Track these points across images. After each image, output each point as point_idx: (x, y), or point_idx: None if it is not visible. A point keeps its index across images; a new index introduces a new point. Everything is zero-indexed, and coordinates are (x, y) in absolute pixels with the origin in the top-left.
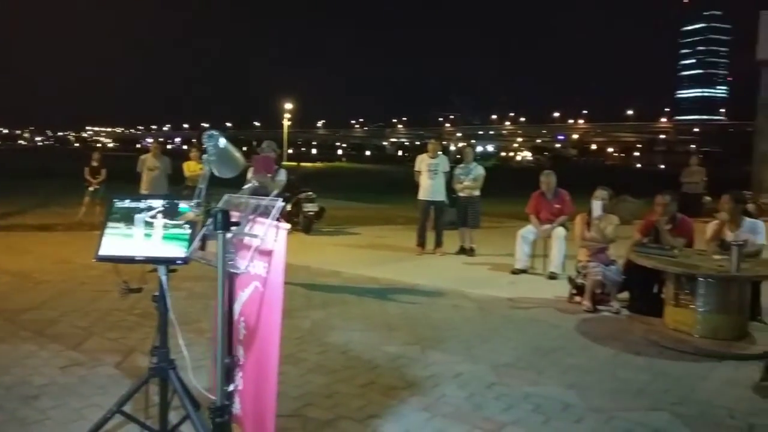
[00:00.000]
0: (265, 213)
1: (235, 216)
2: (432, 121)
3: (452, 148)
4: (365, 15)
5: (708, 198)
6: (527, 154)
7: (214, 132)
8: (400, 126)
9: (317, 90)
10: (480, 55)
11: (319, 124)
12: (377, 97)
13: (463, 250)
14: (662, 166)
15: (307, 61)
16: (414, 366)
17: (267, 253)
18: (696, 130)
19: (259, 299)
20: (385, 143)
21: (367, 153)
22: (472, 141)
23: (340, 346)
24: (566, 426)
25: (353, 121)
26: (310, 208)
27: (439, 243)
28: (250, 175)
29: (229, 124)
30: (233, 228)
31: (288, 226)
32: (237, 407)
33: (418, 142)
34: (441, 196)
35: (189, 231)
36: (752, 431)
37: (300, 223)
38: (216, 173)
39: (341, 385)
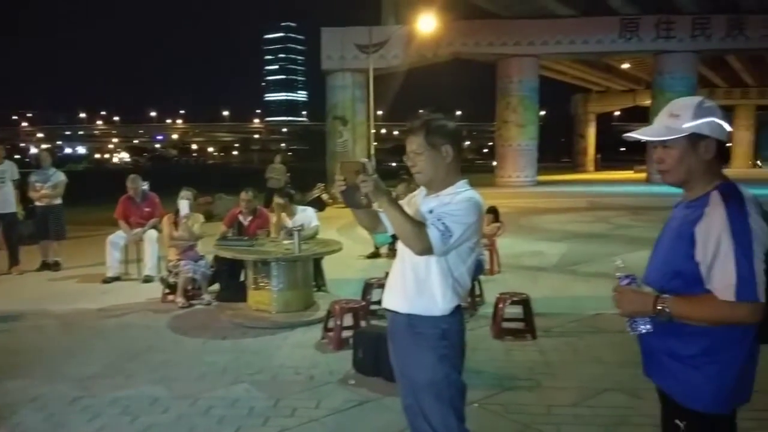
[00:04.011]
0: None
1: None
2: (4, 119)
3: (33, 150)
4: None
5: (292, 192)
6: (125, 156)
7: None
8: None
9: None
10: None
11: None
12: None
13: (46, 266)
14: (236, 164)
15: None
16: None
17: None
18: (285, 130)
19: None
20: None
21: None
22: (59, 142)
23: None
24: (153, 419)
25: None
26: None
27: (14, 261)
28: None
29: None
30: None
31: None
32: None
33: None
34: (10, 207)
35: None
36: (313, 380)
37: None
38: None
39: None
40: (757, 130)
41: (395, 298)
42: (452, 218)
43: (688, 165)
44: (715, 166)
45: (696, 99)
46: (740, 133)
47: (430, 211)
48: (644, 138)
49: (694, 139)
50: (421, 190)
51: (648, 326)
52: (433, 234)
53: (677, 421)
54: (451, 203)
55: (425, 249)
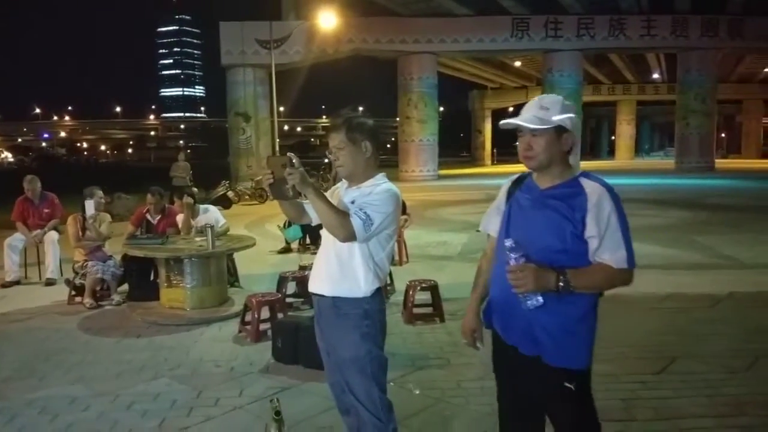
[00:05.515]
0: None
1: None
2: None
3: None
4: None
5: (195, 189)
6: (8, 155)
7: None
8: None
9: None
10: None
11: None
12: None
13: None
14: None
15: None
16: None
17: None
18: (182, 126)
19: None
20: None
21: None
22: None
23: None
24: (74, 417)
25: None
26: None
27: None
28: None
29: None
30: None
31: None
32: None
33: None
34: None
35: None
36: (233, 371)
37: None
38: None
39: None
40: (638, 124)
41: (321, 283)
42: (373, 208)
43: (550, 153)
44: (567, 157)
45: (560, 96)
46: (622, 127)
47: (353, 202)
48: (522, 124)
49: (560, 131)
50: (343, 183)
51: (541, 300)
52: (356, 222)
53: (567, 384)
54: (371, 194)
55: (349, 236)
